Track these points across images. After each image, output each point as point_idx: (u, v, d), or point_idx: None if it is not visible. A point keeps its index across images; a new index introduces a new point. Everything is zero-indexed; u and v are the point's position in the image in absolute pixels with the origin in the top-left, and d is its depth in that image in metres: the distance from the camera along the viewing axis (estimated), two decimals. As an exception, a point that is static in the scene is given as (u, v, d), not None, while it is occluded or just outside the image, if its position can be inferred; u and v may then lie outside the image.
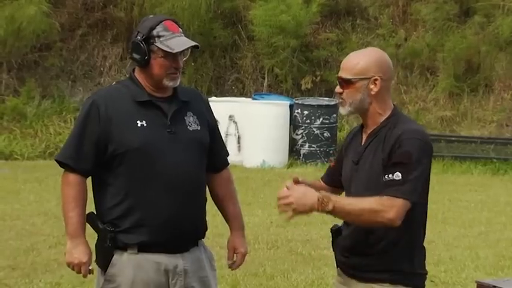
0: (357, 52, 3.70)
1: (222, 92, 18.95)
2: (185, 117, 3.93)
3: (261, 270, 7.84)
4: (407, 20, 20.21)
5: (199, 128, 3.95)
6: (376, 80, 3.57)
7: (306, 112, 16.23)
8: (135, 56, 3.87)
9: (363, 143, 3.63)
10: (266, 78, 19.09)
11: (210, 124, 4.05)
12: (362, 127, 3.69)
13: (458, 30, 19.44)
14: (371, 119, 3.61)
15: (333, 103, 16.72)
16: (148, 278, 3.84)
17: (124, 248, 3.84)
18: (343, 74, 3.61)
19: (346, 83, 3.59)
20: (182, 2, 18.75)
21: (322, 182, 3.85)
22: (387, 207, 3.40)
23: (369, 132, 3.62)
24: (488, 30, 19.24)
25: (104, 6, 20.02)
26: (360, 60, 3.60)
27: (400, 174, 3.41)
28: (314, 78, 19.08)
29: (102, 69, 19.73)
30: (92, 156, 3.81)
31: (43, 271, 7.76)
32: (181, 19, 17.70)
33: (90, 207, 3.96)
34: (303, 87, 18.71)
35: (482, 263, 8.50)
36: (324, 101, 16.87)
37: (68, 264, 3.85)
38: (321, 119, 16.23)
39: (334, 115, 16.42)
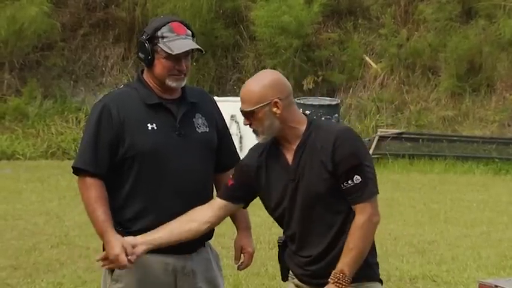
0: (250, 81, 3.66)
1: (224, 91, 18.97)
2: (193, 119, 3.93)
3: (263, 270, 7.85)
4: (409, 19, 20.21)
5: (207, 130, 3.95)
6: (276, 102, 3.57)
7: (307, 112, 16.10)
8: (140, 55, 3.89)
9: (291, 161, 3.61)
10: (268, 78, 19.09)
11: (219, 124, 4.05)
12: (276, 145, 3.66)
13: (460, 31, 19.45)
14: (290, 135, 3.62)
15: (334, 103, 16.73)
16: (156, 278, 3.84)
17: None
18: (243, 106, 3.61)
19: (249, 114, 3.60)
20: (184, 2, 18.77)
21: (219, 198, 3.77)
22: (368, 220, 3.51)
23: (294, 147, 3.61)
24: (491, 30, 19.25)
25: (105, 6, 20.05)
26: (255, 89, 3.59)
27: (359, 177, 3.50)
28: (316, 78, 19.10)
29: (103, 69, 19.75)
30: (107, 159, 3.79)
31: (45, 271, 7.76)
32: (183, 19, 17.69)
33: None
34: (304, 87, 18.72)
35: (484, 263, 8.50)
36: (326, 100, 16.87)
37: (111, 262, 3.80)
38: (323, 118, 16.22)
39: (336, 115, 16.43)
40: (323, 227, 3.56)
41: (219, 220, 3.78)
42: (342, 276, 3.47)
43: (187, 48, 3.84)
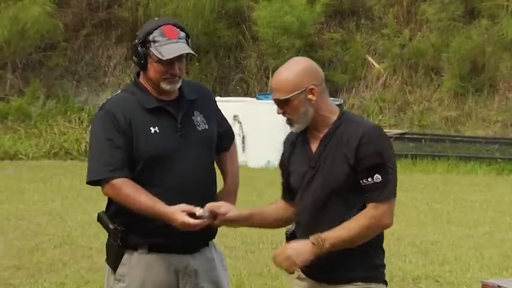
0: (283, 69, 3.61)
1: (227, 91, 18.97)
2: (193, 117, 3.94)
3: (265, 270, 7.84)
4: (412, 19, 20.21)
5: (207, 127, 3.95)
6: (312, 89, 3.55)
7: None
8: (134, 58, 3.90)
9: (315, 149, 3.60)
10: (270, 78, 19.10)
11: (216, 117, 4.06)
12: (304, 133, 3.65)
13: (463, 31, 19.45)
14: (320, 123, 3.60)
15: (337, 103, 16.71)
16: (159, 278, 3.84)
17: (134, 247, 3.84)
18: (278, 95, 3.56)
19: (284, 103, 3.56)
20: (186, 3, 18.77)
21: (284, 201, 3.76)
22: (378, 217, 3.48)
23: (321, 136, 3.60)
24: (493, 30, 19.25)
25: (108, 6, 20.06)
26: (289, 76, 3.55)
27: (379, 176, 3.47)
28: (318, 78, 19.08)
29: (106, 69, 19.76)
30: (126, 158, 3.77)
31: (48, 271, 7.76)
32: (186, 19, 17.71)
33: (101, 208, 3.94)
34: (307, 87, 18.71)
35: (487, 263, 8.49)
36: (329, 100, 16.86)
37: (184, 229, 3.74)
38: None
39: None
40: (333, 220, 3.52)
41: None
42: (321, 244, 3.43)
43: (178, 54, 3.82)
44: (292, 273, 3.57)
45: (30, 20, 18.20)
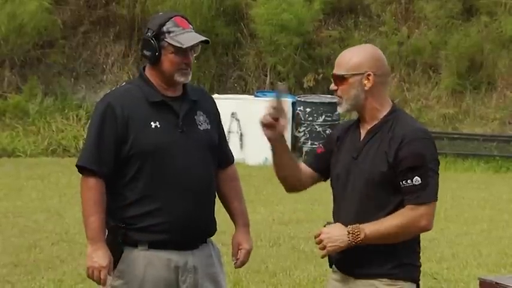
0: (351, 48, 3.68)
1: (225, 89, 18.96)
2: (195, 117, 3.95)
3: (263, 267, 7.84)
4: (410, 17, 20.20)
5: (209, 127, 3.96)
6: (369, 75, 3.55)
7: (308, 109, 16.22)
8: (146, 53, 3.87)
9: (361, 139, 3.61)
10: (268, 75, 19.09)
11: (218, 122, 4.07)
12: (358, 122, 3.68)
13: (461, 28, 19.44)
14: (369, 115, 3.61)
15: (335, 100, 16.73)
16: (159, 274, 3.85)
17: (134, 244, 3.85)
18: (336, 70, 3.62)
19: (339, 79, 3.59)
20: (184, 0, 18.76)
21: (306, 165, 3.80)
22: (416, 218, 3.48)
23: (368, 128, 3.61)
24: (492, 28, 19.24)
25: (106, 3, 20.03)
26: (353, 56, 3.59)
27: (419, 179, 3.46)
28: (316, 75, 19.08)
29: (104, 66, 19.74)
30: (112, 158, 3.80)
31: (45, 268, 7.76)
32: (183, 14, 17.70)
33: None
34: (305, 85, 18.71)
35: (484, 261, 8.50)
36: (327, 98, 16.86)
37: (88, 269, 3.81)
38: (323, 116, 16.23)
39: (337, 112, 16.43)
40: (365, 215, 3.53)
41: (307, 185, 3.77)
42: (357, 234, 3.46)
43: (197, 41, 3.87)
44: (323, 257, 3.57)
45: (27, 16, 18.16)
